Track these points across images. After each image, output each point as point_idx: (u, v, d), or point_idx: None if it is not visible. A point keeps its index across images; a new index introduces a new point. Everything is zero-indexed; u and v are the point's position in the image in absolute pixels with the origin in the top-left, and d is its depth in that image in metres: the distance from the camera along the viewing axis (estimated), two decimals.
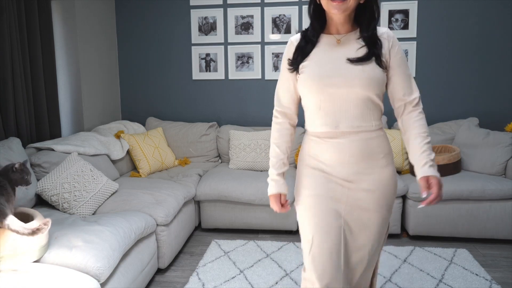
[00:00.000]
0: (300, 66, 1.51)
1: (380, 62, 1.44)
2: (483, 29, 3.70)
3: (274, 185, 1.58)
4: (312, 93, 1.47)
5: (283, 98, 1.59)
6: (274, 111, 1.64)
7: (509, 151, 3.20)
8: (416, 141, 1.47)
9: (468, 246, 2.99)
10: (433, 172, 1.43)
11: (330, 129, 1.47)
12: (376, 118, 1.48)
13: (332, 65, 1.46)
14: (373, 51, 1.44)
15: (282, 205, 1.58)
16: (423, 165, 1.44)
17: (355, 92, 1.43)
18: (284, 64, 1.58)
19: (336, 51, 1.48)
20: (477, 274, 2.54)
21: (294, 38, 1.58)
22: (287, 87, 1.58)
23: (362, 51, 1.45)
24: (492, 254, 2.86)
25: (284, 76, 1.59)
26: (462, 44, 3.74)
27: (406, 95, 1.49)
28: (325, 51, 1.50)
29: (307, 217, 1.51)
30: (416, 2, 3.74)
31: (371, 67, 1.43)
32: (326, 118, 1.47)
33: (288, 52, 1.58)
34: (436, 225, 3.05)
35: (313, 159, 1.55)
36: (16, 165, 1.79)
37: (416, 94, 1.50)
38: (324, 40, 1.52)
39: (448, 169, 3.15)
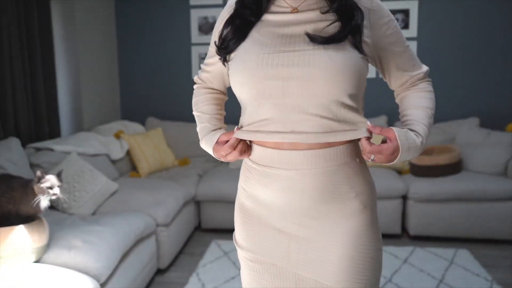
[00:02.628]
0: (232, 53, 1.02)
1: (359, 44, 0.95)
2: (483, 29, 3.69)
3: (210, 137, 1.11)
4: (245, 91, 0.98)
5: (206, 74, 1.17)
6: (194, 78, 1.24)
7: (510, 151, 3.19)
8: (414, 111, 1.04)
9: (468, 246, 2.98)
10: (402, 136, 0.96)
11: (272, 151, 0.98)
12: (350, 127, 0.97)
13: (280, 44, 0.95)
14: (350, 27, 0.94)
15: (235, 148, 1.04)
16: (403, 127, 1.02)
17: (317, 89, 0.92)
18: (213, 34, 1.11)
19: (288, 24, 0.97)
20: (478, 275, 2.54)
21: (230, 4, 1.08)
22: (213, 65, 1.13)
23: (332, 28, 0.95)
24: (493, 255, 2.85)
25: (211, 50, 1.12)
26: (462, 44, 3.74)
27: (414, 70, 1.08)
28: (271, 25, 0.99)
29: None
30: (417, 1, 3.73)
31: (346, 52, 0.93)
32: (270, 125, 0.97)
33: (223, 16, 1.07)
34: (437, 225, 3.04)
35: (247, 196, 1.07)
36: (38, 173, 1.77)
37: (423, 68, 1.09)
38: (272, 9, 1.01)
39: (448, 169, 3.15)
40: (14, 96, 2.68)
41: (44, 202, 1.77)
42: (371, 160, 0.98)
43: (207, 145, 1.11)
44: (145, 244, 2.40)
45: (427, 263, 2.70)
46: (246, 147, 1.05)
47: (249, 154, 1.05)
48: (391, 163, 0.99)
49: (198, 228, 3.39)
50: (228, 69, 1.03)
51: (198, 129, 1.16)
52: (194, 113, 1.20)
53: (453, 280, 2.48)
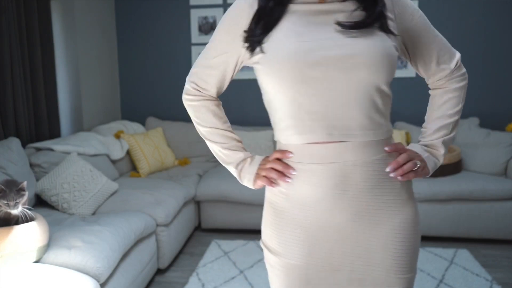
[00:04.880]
0: (264, 41, 0.96)
1: (388, 30, 0.94)
2: (483, 29, 3.69)
3: (247, 166, 1.06)
4: (285, 82, 0.92)
5: (207, 78, 1.05)
6: (186, 86, 1.09)
7: (510, 151, 3.19)
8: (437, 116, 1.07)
9: (468, 246, 2.98)
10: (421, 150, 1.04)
11: (318, 140, 0.94)
12: (388, 120, 0.99)
13: (315, 33, 0.92)
14: (377, 12, 0.93)
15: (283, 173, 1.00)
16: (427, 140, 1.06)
17: (359, 78, 0.90)
18: (223, 30, 1.02)
19: (318, 14, 0.95)
20: (477, 275, 2.54)
21: None
22: (219, 66, 1.03)
23: (360, 14, 0.93)
24: (493, 255, 2.85)
25: (219, 48, 1.02)
26: (463, 44, 3.73)
27: (444, 63, 1.04)
28: (301, 14, 0.95)
29: None
30: (417, 1, 3.73)
31: (380, 37, 0.92)
32: (310, 123, 0.93)
33: (239, 14, 1.00)
34: (437, 225, 3.04)
35: (282, 196, 1.01)
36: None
37: (453, 62, 1.04)
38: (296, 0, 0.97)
39: (448, 169, 3.15)
40: (14, 96, 2.68)
41: (12, 209, 1.72)
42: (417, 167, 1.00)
43: (247, 178, 1.06)
44: (145, 244, 2.40)
45: (427, 263, 2.70)
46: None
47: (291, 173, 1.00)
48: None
49: (198, 228, 3.39)
50: (257, 63, 0.98)
51: (218, 152, 1.08)
52: (203, 131, 1.08)
53: (453, 280, 2.48)
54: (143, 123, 4.11)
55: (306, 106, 0.93)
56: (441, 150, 1.04)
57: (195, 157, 3.87)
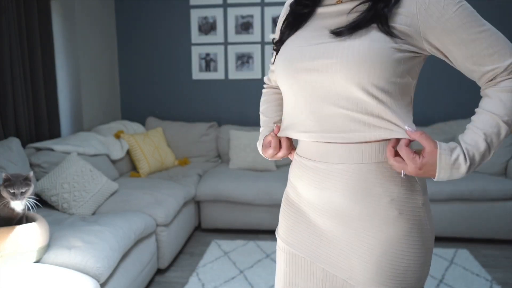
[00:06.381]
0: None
1: (387, 30, 0.87)
2: None
3: (261, 140, 1.17)
4: (282, 84, 1.02)
5: (270, 74, 1.22)
6: (265, 77, 1.26)
7: (510, 151, 3.19)
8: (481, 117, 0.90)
9: (468, 246, 2.98)
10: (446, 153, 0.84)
11: (309, 139, 0.98)
12: (384, 125, 0.90)
13: (309, 39, 0.95)
14: (373, 9, 0.88)
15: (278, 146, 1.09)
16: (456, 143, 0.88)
17: (339, 80, 0.89)
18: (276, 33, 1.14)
19: (330, 16, 0.96)
20: (477, 275, 2.54)
21: (288, 2, 1.10)
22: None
23: (355, 13, 0.91)
24: (493, 255, 2.85)
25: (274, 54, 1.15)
26: None
27: (494, 61, 0.86)
28: (317, 17, 0.99)
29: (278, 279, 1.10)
30: None
31: (370, 40, 0.87)
32: (303, 123, 0.98)
33: (282, 15, 1.11)
34: (437, 225, 3.04)
35: (291, 187, 1.09)
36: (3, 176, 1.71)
37: (506, 60, 0.85)
38: (324, 1, 1.00)
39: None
40: (14, 96, 2.68)
41: (16, 204, 1.73)
42: (403, 175, 0.90)
43: (259, 148, 1.16)
44: (145, 244, 2.40)
45: None
46: (290, 142, 1.10)
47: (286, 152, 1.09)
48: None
49: (198, 228, 3.39)
50: None
51: (260, 130, 1.22)
52: (260, 111, 1.24)
53: (453, 280, 2.48)
54: (143, 123, 4.12)
55: (299, 107, 0.98)
56: (481, 145, 0.85)
57: (195, 157, 3.87)
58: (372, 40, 0.87)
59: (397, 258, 0.91)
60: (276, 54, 1.05)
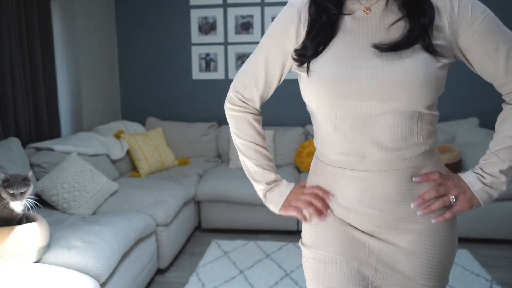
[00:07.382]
0: (312, 62, 0.94)
1: (431, 48, 0.86)
2: None
3: (278, 190, 1.05)
4: (321, 107, 0.95)
5: (252, 88, 1.04)
6: (230, 95, 1.07)
7: None
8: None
9: (468, 246, 2.98)
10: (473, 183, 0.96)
11: (352, 161, 0.95)
12: (427, 135, 0.94)
13: (351, 60, 0.89)
14: (418, 27, 0.86)
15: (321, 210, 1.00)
16: (477, 169, 0.99)
17: (392, 106, 0.88)
18: (270, 38, 1.00)
19: (361, 32, 0.91)
20: (477, 275, 2.54)
21: (300, 2, 0.98)
22: (265, 75, 1.02)
23: (397, 29, 0.88)
24: (493, 255, 2.85)
25: (266, 56, 1.01)
26: None
27: (506, 83, 0.95)
28: (347, 32, 0.92)
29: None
30: None
31: (421, 59, 0.86)
32: (345, 145, 0.95)
33: (288, 22, 0.98)
34: None
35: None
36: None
37: None
38: (349, 8, 0.93)
39: (448, 169, 3.14)
40: (14, 96, 2.68)
41: (16, 205, 1.73)
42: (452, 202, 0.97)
43: (276, 198, 1.05)
44: (145, 244, 2.40)
45: None
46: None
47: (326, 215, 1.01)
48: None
49: (198, 228, 3.39)
50: (301, 81, 0.99)
51: (249, 167, 1.09)
52: (240, 143, 1.08)
53: (453, 280, 2.48)
54: (143, 123, 4.12)
55: (341, 130, 0.94)
56: (502, 178, 0.93)
57: (195, 157, 3.87)
58: (424, 62, 0.86)
59: (444, 254, 0.99)
60: (307, 70, 0.95)
